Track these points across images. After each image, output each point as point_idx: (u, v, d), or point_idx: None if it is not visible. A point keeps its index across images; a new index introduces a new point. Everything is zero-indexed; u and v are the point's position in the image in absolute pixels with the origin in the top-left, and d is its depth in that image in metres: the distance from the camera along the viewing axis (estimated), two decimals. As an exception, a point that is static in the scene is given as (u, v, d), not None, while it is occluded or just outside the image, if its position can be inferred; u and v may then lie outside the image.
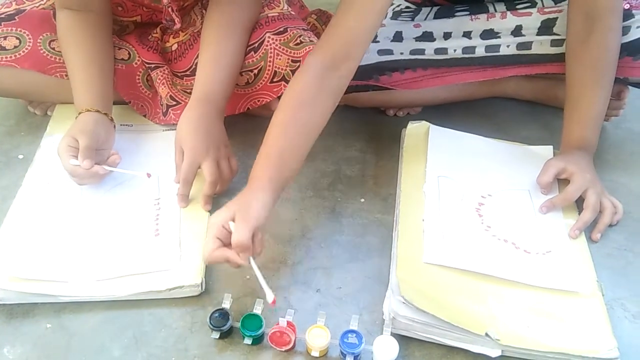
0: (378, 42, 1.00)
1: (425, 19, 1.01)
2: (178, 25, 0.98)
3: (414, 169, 0.93)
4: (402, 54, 0.98)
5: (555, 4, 0.97)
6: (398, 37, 1.00)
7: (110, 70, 0.96)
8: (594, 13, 0.87)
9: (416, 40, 0.99)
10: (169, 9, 0.96)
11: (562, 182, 0.89)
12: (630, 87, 1.03)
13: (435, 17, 1.02)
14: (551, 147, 0.99)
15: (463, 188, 0.89)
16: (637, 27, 0.92)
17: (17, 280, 0.74)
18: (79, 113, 0.88)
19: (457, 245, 0.79)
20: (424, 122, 1.00)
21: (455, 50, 0.98)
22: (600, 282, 0.76)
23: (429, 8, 1.02)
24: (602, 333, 0.70)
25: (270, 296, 0.67)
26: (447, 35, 0.99)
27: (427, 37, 0.99)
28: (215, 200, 0.88)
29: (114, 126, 0.91)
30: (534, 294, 0.75)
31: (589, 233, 0.84)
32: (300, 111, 0.77)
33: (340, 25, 0.79)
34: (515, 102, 1.14)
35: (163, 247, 0.80)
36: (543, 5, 0.98)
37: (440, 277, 0.76)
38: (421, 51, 0.98)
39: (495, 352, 0.68)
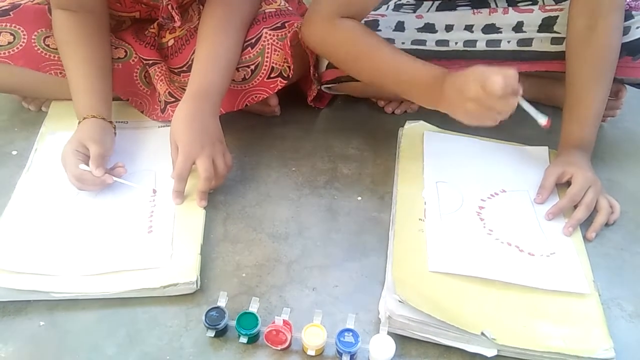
0: (380, 30, 0.99)
1: (427, 11, 1.01)
2: (178, 23, 0.97)
3: (410, 169, 0.92)
4: (403, 43, 0.98)
5: (556, 3, 0.97)
6: (400, 27, 0.99)
7: (109, 73, 0.94)
8: (598, 11, 0.87)
9: (418, 31, 0.99)
10: (169, 7, 0.95)
11: (559, 184, 0.89)
12: (627, 86, 1.04)
13: (437, 10, 1.01)
14: (546, 147, 0.99)
15: (462, 193, 0.89)
16: (637, 28, 0.92)
17: (9, 274, 0.73)
18: (83, 118, 0.87)
19: (461, 252, 0.79)
20: (421, 122, 1.00)
21: (456, 43, 0.98)
22: (596, 282, 0.76)
23: (431, 2, 1.02)
24: (598, 333, 0.70)
25: (543, 119, 0.74)
26: (448, 28, 0.99)
27: (429, 28, 0.99)
28: (210, 197, 0.87)
29: (115, 132, 0.91)
30: (530, 293, 0.74)
31: (584, 232, 0.84)
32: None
33: None
34: (513, 101, 1.13)
35: (155, 244, 0.79)
36: (544, 3, 0.98)
37: (436, 277, 0.75)
38: (422, 42, 0.98)
39: (491, 352, 0.68)
